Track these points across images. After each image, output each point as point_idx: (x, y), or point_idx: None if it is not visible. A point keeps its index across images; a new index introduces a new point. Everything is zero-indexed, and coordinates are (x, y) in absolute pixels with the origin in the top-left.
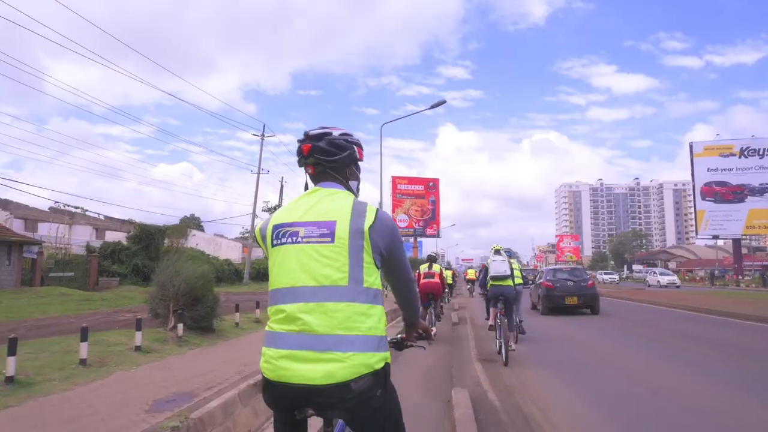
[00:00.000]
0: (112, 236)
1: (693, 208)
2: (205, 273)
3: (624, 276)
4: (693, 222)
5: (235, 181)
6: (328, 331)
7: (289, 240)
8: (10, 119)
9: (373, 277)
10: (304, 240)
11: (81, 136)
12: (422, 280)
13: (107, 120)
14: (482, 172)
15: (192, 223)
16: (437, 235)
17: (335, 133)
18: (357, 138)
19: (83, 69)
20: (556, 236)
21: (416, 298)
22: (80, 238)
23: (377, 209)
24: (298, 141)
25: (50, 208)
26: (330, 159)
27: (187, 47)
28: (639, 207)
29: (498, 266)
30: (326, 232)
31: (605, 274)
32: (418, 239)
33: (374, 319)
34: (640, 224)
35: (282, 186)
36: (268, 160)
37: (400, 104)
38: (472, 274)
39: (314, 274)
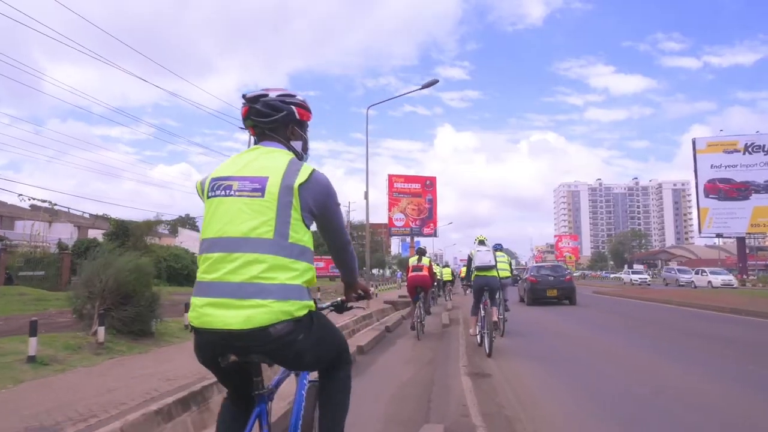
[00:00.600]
0: (95, 234)
1: (696, 206)
2: (140, 266)
3: (651, 276)
4: (692, 222)
5: None
6: (250, 280)
7: (223, 193)
8: (9, 119)
9: (300, 234)
10: (237, 193)
11: (79, 137)
12: (411, 273)
13: (106, 119)
14: (480, 173)
15: (186, 222)
16: (434, 235)
17: (272, 95)
18: (299, 99)
19: (81, 70)
20: (555, 236)
21: (353, 258)
22: (59, 236)
23: (313, 169)
24: (242, 104)
25: (31, 206)
26: (265, 120)
27: (185, 48)
28: (638, 207)
29: (483, 256)
30: (258, 186)
31: (633, 273)
32: (415, 239)
33: (297, 272)
34: (639, 224)
35: None
36: None
37: (398, 105)
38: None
39: (241, 226)
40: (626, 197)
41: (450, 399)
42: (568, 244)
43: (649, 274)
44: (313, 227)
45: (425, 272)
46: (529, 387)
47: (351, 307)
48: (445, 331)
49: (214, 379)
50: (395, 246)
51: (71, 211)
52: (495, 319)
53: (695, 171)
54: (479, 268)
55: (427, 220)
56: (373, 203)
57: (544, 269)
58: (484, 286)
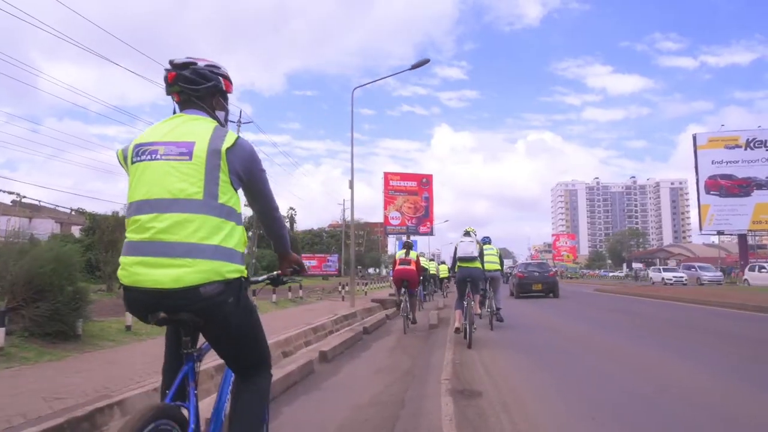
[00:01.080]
0: (76, 230)
1: (696, 203)
2: (60, 255)
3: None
4: (690, 220)
5: None
6: (180, 240)
7: (149, 157)
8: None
9: (228, 196)
10: (163, 157)
11: (76, 135)
12: (397, 267)
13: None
14: (477, 172)
15: None
16: (431, 233)
17: (201, 64)
18: (225, 70)
19: (79, 69)
20: (552, 235)
21: (282, 227)
22: (39, 232)
23: (238, 136)
24: (165, 69)
25: (12, 202)
26: (194, 88)
27: (183, 48)
28: (635, 206)
29: (466, 247)
30: (185, 151)
31: (666, 270)
32: (411, 237)
33: (227, 233)
34: (637, 223)
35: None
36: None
37: (396, 105)
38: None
39: (170, 187)
40: (624, 196)
41: (420, 429)
42: (566, 243)
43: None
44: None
45: (412, 266)
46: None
47: (287, 281)
48: (432, 333)
49: (116, 399)
50: (392, 245)
51: (58, 208)
52: (477, 311)
53: (696, 167)
54: (461, 259)
55: (423, 218)
56: (370, 202)
57: (531, 266)
58: (466, 278)
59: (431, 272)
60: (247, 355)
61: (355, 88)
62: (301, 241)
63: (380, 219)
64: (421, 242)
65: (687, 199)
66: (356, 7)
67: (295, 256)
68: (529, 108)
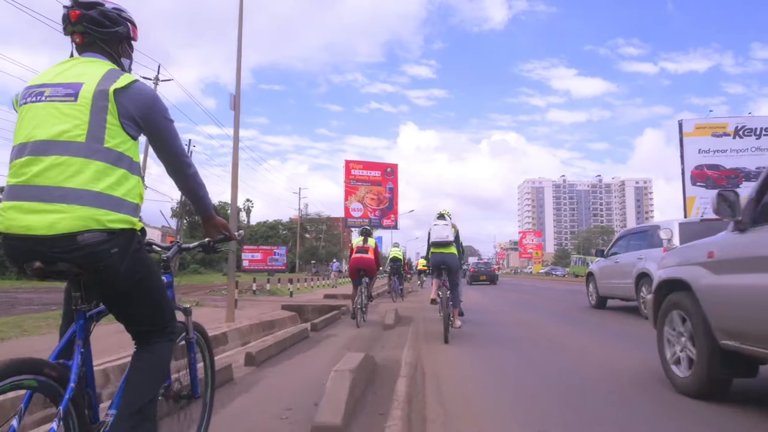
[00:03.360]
0: None
1: (682, 194)
2: None
3: None
4: (654, 219)
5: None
6: (56, 184)
7: (34, 99)
8: None
9: (118, 140)
10: (48, 98)
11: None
12: (354, 255)
13: None
14: (442, 171)
15: None
16: (395, 227)
17: (108, 6)
18: (131, 16)
19: (33, 57)
20: (519, 233)
21: (199, 186)
22: None
23: (136, 79)
24: (64, 7)
25: None
26: (101, 30)
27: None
28: (601, 204)
29: (440, 231)
30: (71, 92)
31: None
32: (375, 235)
33: (114, 180)
34: (602, 221)
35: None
36: (227, 155)
37: (364, 102)
38: (423, 264)
39: (50, 129)
40: (589, 194)
41: None
42: (533, 240)
43: None
44: None
45: (370, 255)
46: None
47: (219, 249)
48: (383, 335)
49: None
50: (356, 240)
51: None
52: (457, 324)
53: (681, 156)
54: (435, 244)
55: (387, 210)
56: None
57: (480, 265)
58: (440, 264)
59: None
60: (142, 317)
61: None
62: (255, 234)
63: (342, 212)
64: (385, 237)
65: (651, 198)
66: (322, 3)
67: (221, 220)
68: (495, 108)
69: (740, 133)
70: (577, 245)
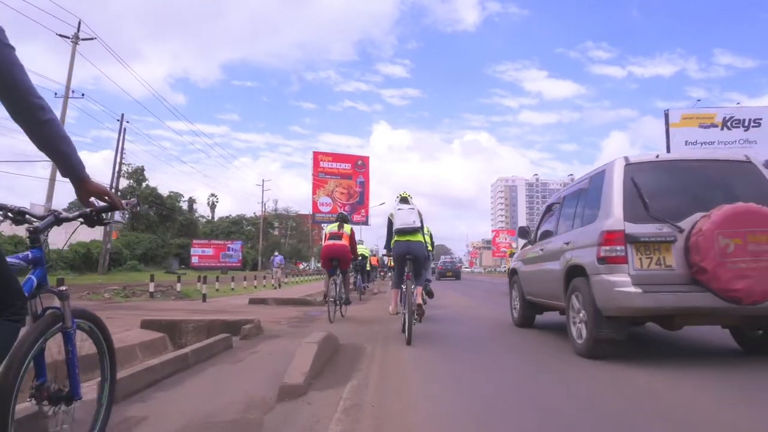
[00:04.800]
0: None
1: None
2: None
3: None
4: None
5: (162, 171)
6: None
7: None
8: None
9: None
10: None
11: None
12: (326, 242)
13: None
14: (414, 171)
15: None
16: (366, 222)
17: None
18: None
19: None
20: (492, 231)
21: (60, 138)
22: None
23: None
24: None
25: None
26: None
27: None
28: None
29: (405, 216)
30: None
31: None
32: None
33: None
34: None
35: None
36: (198, 152)
37: (338, 100)
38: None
39: None
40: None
41: None
42: (506, 239)
43: None
44: None
45: (344, 241)
46: None
47: (106, 221)
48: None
49: None
50: (330, 225)
51: None
52: (419, 301)
53: (668, 148)
54: (400, 231)
55: (357, 205)
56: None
57: (447, 263)
58: (405, 255)
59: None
60: None
61: None
62: (216, 229)
63: (312, 209)
64: (356, 234)
65: None
66: (295, 0)
67: (99, 185)
68: (468, 108)
69: (728, 124)
70: None
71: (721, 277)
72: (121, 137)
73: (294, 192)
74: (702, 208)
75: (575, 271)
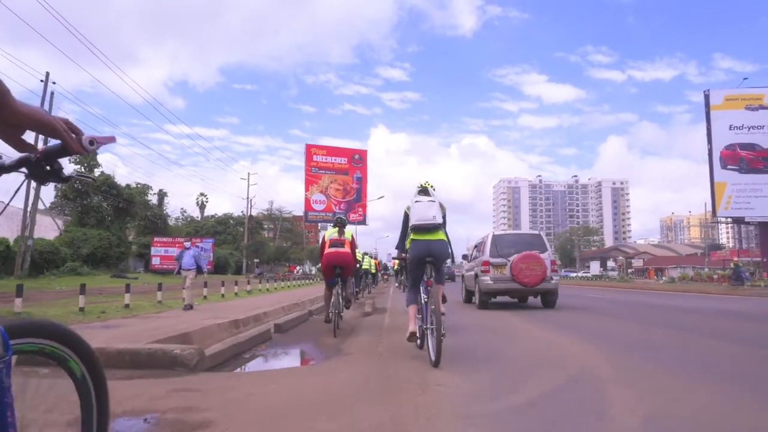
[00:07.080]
0: None
1: (710, 179)
2: None
3: None
4: (630, 222)
5: (163, 176)
6: None
7: None
8: None
9: None
10: None
11: None
12: (327, 250)
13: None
14: (412, 174)
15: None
16: (363, 222)
17: None
18: None
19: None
20: None
21: None
22: None
23: None
24: None
25: None
26: None
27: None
28: (577, 205)
29: (424, 210)
30: None
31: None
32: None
33: None
34: (578, 222)
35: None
36: (197, 155)
37: (338, 103)
38: (367, 261)
39: None
40: (566, 195)
41: None
42: None
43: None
44: None
45: (347, 248)
46: None
47: (68, 177)
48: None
49: None
50: (329, 231)
51: None
52: (443, 310)
53: (708, 133)
54: (417, 229)
55: (354, 203)
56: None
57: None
58: (425, 256)
59: (364, 267)
60: None
61: None
62: (201, 229)
63: (304, 207)
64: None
65: (627, 200)
66: (293, 4)
67: (30, 107)
68: (468, 112)
69: None
70: (558, 247)
71: (520, 277)
72: (49, 104)
73: (292, 195)
74: (517, 252)
75: (477, 275)
